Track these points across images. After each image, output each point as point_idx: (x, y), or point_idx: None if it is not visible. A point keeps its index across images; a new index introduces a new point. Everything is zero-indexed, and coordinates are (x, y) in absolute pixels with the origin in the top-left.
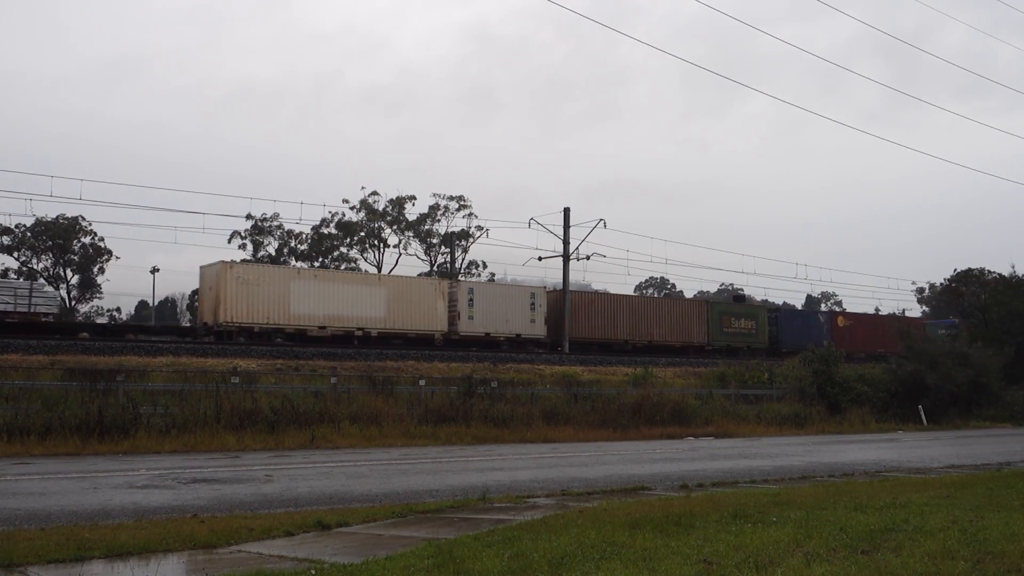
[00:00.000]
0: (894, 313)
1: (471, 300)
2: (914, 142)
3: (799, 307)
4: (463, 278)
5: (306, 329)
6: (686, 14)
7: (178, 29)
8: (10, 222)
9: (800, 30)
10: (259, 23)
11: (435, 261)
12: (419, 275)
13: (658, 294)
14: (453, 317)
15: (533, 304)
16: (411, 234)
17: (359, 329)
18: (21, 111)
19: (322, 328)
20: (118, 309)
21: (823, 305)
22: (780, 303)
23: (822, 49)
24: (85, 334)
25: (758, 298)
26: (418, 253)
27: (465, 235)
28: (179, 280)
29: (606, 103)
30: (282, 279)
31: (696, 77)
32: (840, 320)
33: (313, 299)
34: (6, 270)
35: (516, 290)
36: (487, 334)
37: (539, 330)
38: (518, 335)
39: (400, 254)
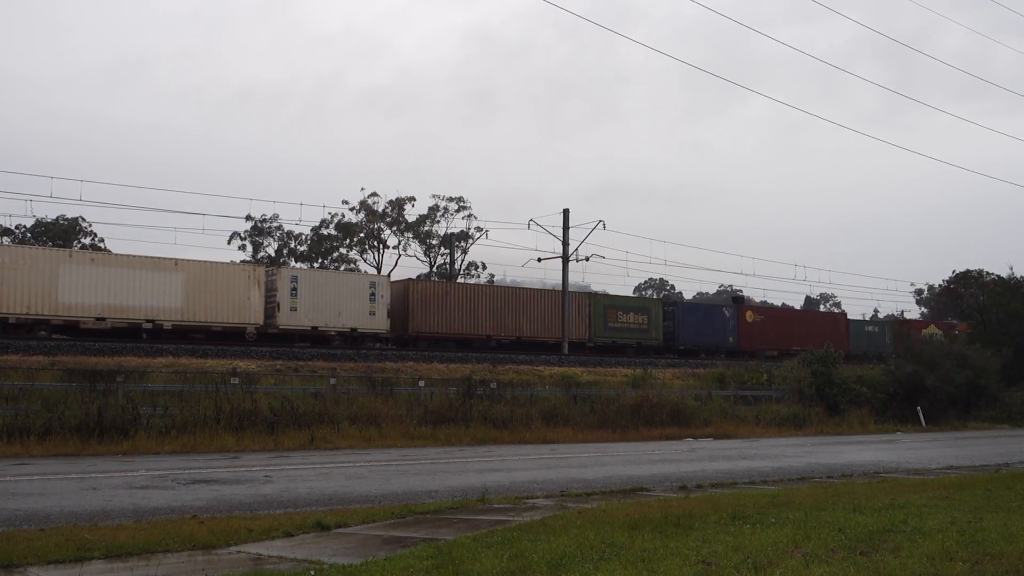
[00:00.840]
0: (833, 309)
1: (294, 289)
2: (913, 144)
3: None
4: (300, 264)
5: (79, 321)
6: (686, 16)
7: (180, 31)
8: (10, 223)
9: (800, 32)
10: (260, 25)
11: (435, 262)
12: (417, 276)
13: (657, 295)
14: (271, 309)
15: (373, 295)
16: (410, 235)
17: (148, 321)
18: (22, 113)
19: (100, 320)
20: None
21: (822, 306)
22: (779, 304)
23: (822, 51)
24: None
25: (757, 299)
26: (417, 254)
27: (464, 236)
28: None
29: (606, 105)
30: (48, 262)
31: (696, 79)
32: (749, 315)
33: (89, 286)
34: None
35: (351, 278)
36: (314, 328)
37: (380, 324)
38: (353, 329)
39: (400, 255)
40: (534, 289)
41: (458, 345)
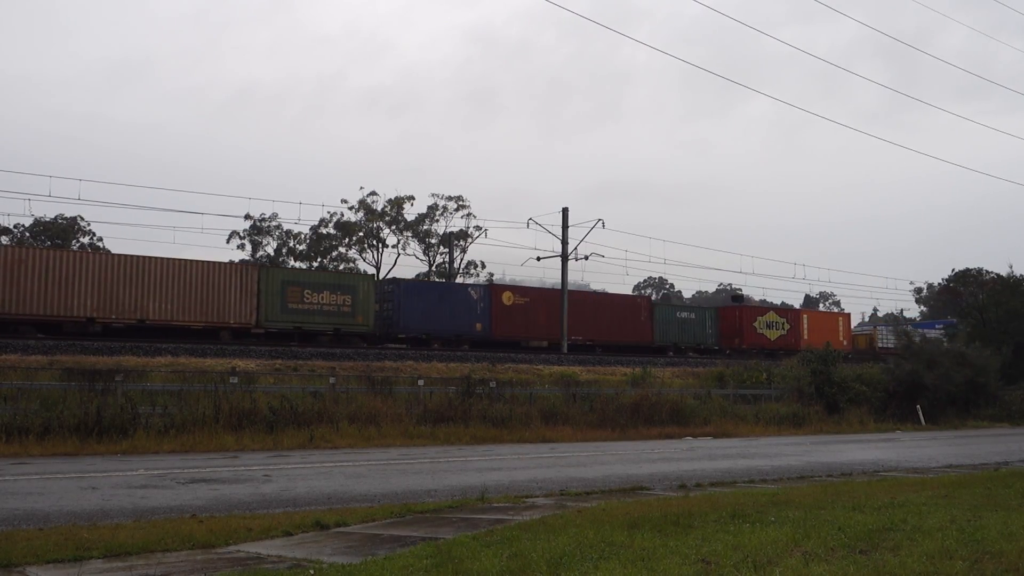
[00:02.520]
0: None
1: None
2: (914, 143)
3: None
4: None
5: None
6: (688, 16)
7: (182, 33)
8: (9, 222)
9: (801, 32)
10: (262, 26)
11: (434, 261)
12: (416, 275)
13: (657, 294)
14: None
15: None
16: (410, 234)
17: None
18: (22, 113)
19: None
20: None
21: (821, 305)
22: (779, 303)
23: (823, 51)
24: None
25: (756, 298)
26: (417, 253)
27: (463, 235)
28: None
29: (607, 105)
30: None
31: (697, 79)
32: (507, 297)
33: None
34: None
35: None
36: None
37: None
38: None
39: (399, 254)
40: (172, 260)
41: (39, 328)
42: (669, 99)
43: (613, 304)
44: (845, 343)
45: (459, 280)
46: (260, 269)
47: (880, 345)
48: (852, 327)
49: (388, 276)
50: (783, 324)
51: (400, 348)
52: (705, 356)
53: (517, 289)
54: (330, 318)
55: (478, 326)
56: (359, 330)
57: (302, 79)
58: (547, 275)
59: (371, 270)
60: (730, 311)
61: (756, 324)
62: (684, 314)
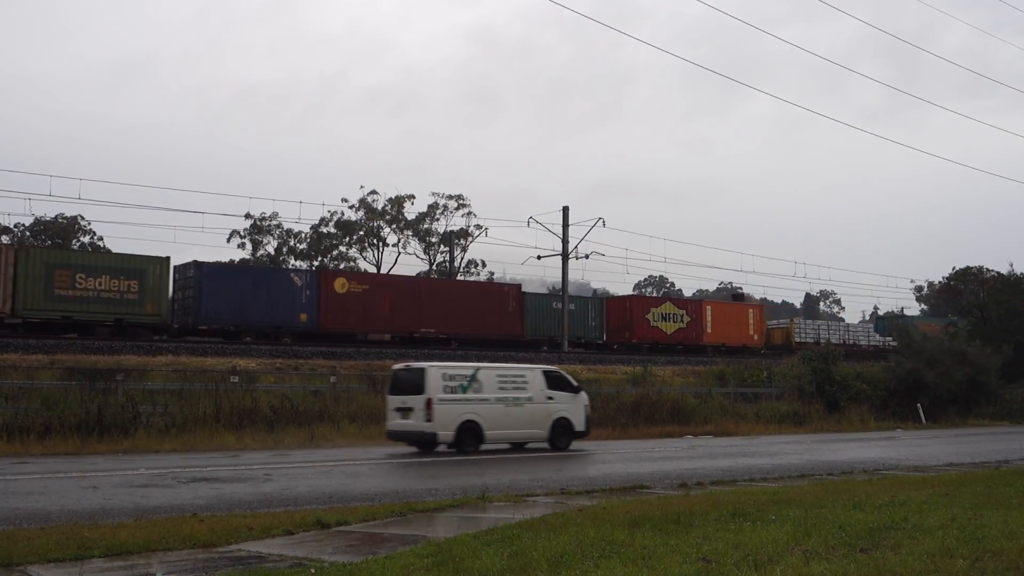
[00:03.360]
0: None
1: None
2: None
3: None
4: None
5: None
6: (690, 15)
7: (183, 32)
8: (9, 221)
9: (802, 31)
10: (264, 26)
11: (434, 260)
12: (417, 275)
13: (657, 293)
14: None
15: None
16: (410, 233)
17: None
18: (23, 113)
19: None
20: None
21: (821, 305)
22: (779, 302)
23: (824, 49)
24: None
25: (756, 296)
26: (417, 252)
27: (464, 234)
28: None
29: (609, 104)
30: None
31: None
32: (340, 284)
33: None
34: None
35: None
36: None
37: None
38: None
39: (399, 253)
40: None
41: None
42: (670, 98)
43: (475, 293)
44: (756, 337)
45: (459, 279)
46: (18, 249)
47: (798, 339)
48: (778, 321)
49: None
50: (682, 316)
51: (205, 341)
52: (591, 351)
53: (355, 276)
54: (110, 306)
55: (303, 317)
56: (148, 320)
57: (303, 79)
58: (548, 274)
59: (372, 269)
60: (619, 302)
61: (650, 316)
62: (560, 304)
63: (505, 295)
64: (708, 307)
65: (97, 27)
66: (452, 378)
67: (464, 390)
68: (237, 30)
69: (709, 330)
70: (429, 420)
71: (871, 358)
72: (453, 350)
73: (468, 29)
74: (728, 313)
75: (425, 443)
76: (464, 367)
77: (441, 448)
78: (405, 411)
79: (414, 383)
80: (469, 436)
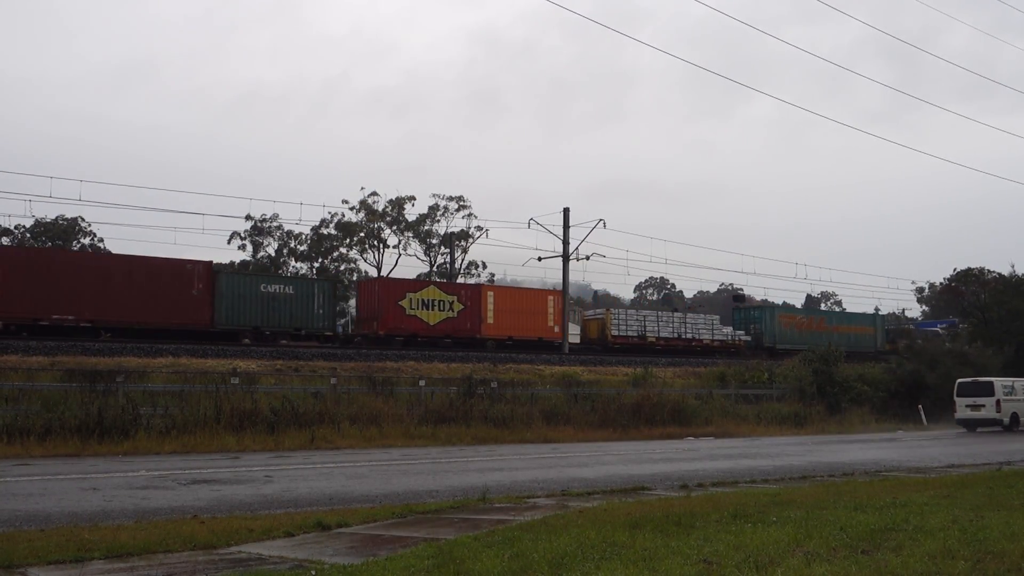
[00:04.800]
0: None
1: None
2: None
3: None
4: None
5: None
6: (692, 16)
7: (187, 34)
8: (10, 223)
9: (805, 32)
10: (267, 28)
11: (435, 261)
12: (417, 276)
13: (658, 294)
14: None
15: None
16: (411, 234)
17: None
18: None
19: None
20: None
21: (823, 305)
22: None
23: (826, 51)
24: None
25: (758, 297)
26: (418, 253)
27: (465, 235)
28: None
29: (611, 105)
30: None
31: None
32: None
33: None
34: None
35: None
36: None
37: None
38: None
39: (400, 254)
40: None
41: None
42: (672, 99)
43: (142, 270)
44: (557, 329)
45: (460, 281)
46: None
47: (615, 332)
48: (594, 311)
49: (383, 277)
50: (451, 304)
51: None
52: (326, 346)
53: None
54: None
55: None
56: None
57: (307, 80)
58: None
59: (372, 271)
60: (367, 285)
61: (405, 303)
62: (275, 287)
63: (188, 273)
64: (490, 293)
65: (100, 29)
66: (1005, 387)
67: (1010, 393)
68: (240, 32)
69: (490, 320)
70: (998, 412)
71: (716, 355)
72: (105, 341)
73: (471, 31)
74: (518, 300)
75: (994, 424)
76: (1007, 380)
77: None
78: (976, 407)
79: (981, 389)
80: (1014, 421)
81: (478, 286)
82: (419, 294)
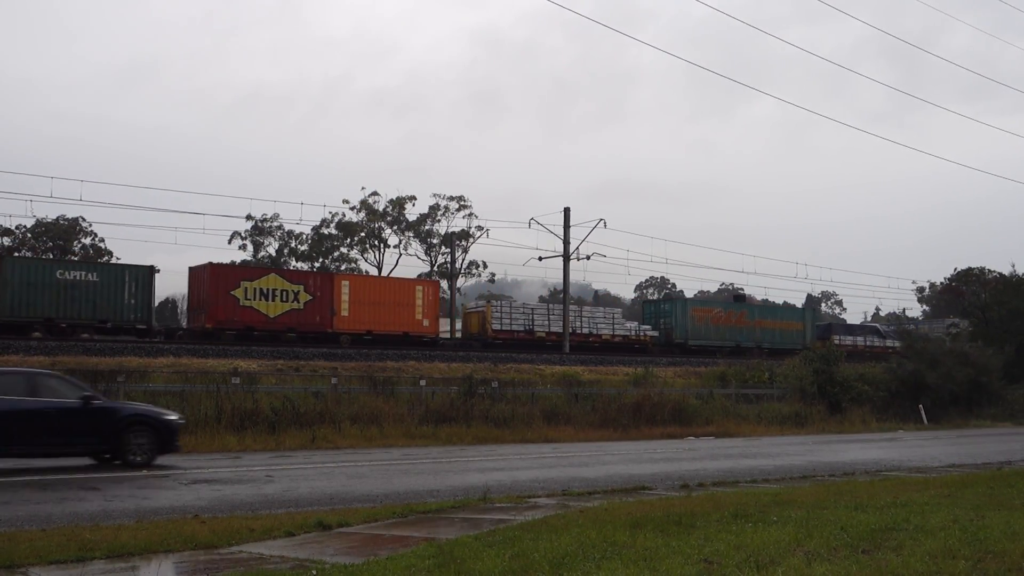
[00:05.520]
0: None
1: None
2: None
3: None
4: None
5: None
6: (694, 17)
7: (189, 36)
8: (10, 223)
9: (807, 33)
10: (269, 29)
11: (435, 261)
12: (418, 275)
13: (658, 294)
14: None
15: None
16: (411, 234)
17: None
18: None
19: None
20: None
21: (823, 306)
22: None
23: (828, 52)
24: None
25: (758, 297)
26: (418, 253)
27: (465, 235)
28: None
29: (612, 106)
30: None
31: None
32: None
33: None
34: None
35: None
36: None
37: None
38: None
39: (400, 254)
40: None
41: None
42: (674, 100)
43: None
44: (427, 323)
45: (460, 281)
46: None
47: (496, 327)
48: (476, 303)
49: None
50: (296, 294)
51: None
52: (141, 341)
53: None
54: None
55: None
56: None
57: (309, 81)
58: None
59: (373, 271)
60: (197, 273)
61: (238, 293)
62: (75, 274)
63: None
64: (344, 282)
65: (102, 31)
66: None
67: None
68: (242, 34)
69: (345, 313)
70: None
71: (617, 351)
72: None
73: (473, 32)
74: (379, 291)
75: None
76: None
77: None
78: None
79: None
80: None
81: (330, 274)
82: (257, 283)
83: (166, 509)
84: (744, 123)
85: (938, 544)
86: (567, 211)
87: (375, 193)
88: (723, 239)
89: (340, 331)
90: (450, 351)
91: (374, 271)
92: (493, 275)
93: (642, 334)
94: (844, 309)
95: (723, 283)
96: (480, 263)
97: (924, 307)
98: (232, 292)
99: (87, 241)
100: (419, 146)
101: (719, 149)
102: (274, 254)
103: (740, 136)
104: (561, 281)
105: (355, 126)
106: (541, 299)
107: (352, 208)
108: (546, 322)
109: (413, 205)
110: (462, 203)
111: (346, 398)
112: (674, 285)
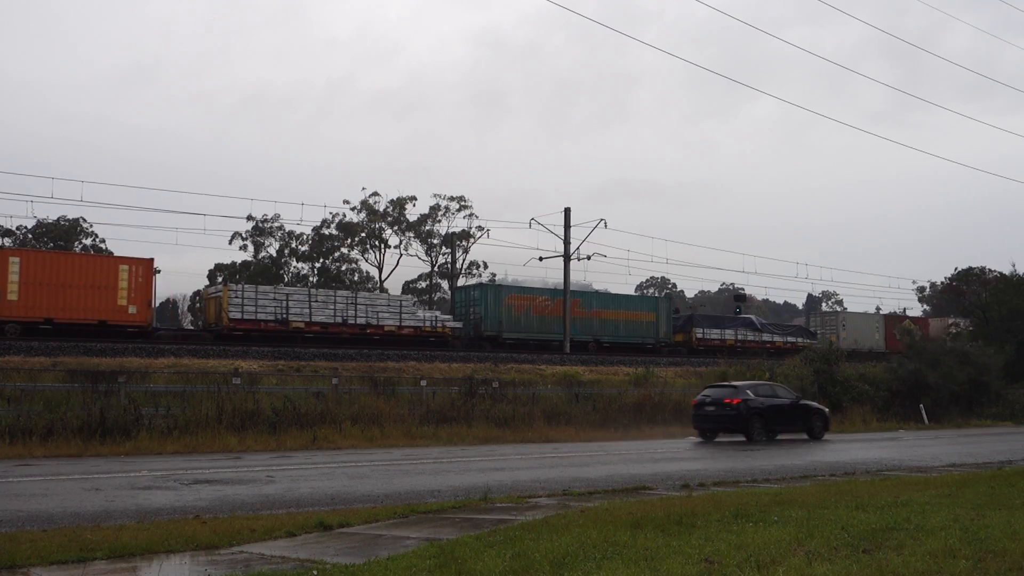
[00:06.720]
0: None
1: None
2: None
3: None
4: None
5: None
6: (695, 17)
7: (191, 37)
8: (11, 224)
9: (807, 33)
10: (272, 30)
11: (436, 261)
12: (418, 275)
13: (659, 294)
14: None
15: None
16: (412, 235)
17: None
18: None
19: None
20: None
21: (824, 305)
22: (781, 302)
23: (829, 51)
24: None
25: (759, 297)
26: (419, 253)
27: (466, 235)
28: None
29: (614, 106)
30: None
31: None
32: None
33: None
34: None
35: None
36: None
37: None
38: None
39: (401, 255)
40: None
41: None
42: (675, 100)
43: None
44: (135, 310)
45: (461, 282)
46: None
47: (236, 315)
48: (214, 287)
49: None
50: None
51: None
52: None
53: None
54: None
55: None
56: None
57: (311, 82)
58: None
59: (374, 271)
60: None
61: None
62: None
63: None
64: (13, 259)
65: (104, 33)
66: None
67: None
68: (245, 35)
69: (12, 296)
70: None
71: (405, 345)
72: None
73: (476, 32)
74: (66, 271)
75: None
76: None
77: None
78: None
79: None
80: None
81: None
82: None
83: (167, 509)
84: (745, 123)
85: (939, 543)
86: (567, 211)
87: (376, 193)
88: (724, 239)
89: (4, 318)
90: (165, 344)
91: (375, 271)
92: (494, 275)
93: (439, 325)
94: (844, 309)
95: (724, 283)
96: (481, 263)
97: (925, 306)
98: None
99: (88, 242)
100: (421, 147)
101: (720, 149)
102: (275, 255)
103: (741, 136)
104: (562, 281)
105: (357, 127)
106: (305, 284)
107: (353, 208)
108: (306, 310)
109: (414, 205)
110: (463, 203)
111: (347, 398)
112: (675, 285)
